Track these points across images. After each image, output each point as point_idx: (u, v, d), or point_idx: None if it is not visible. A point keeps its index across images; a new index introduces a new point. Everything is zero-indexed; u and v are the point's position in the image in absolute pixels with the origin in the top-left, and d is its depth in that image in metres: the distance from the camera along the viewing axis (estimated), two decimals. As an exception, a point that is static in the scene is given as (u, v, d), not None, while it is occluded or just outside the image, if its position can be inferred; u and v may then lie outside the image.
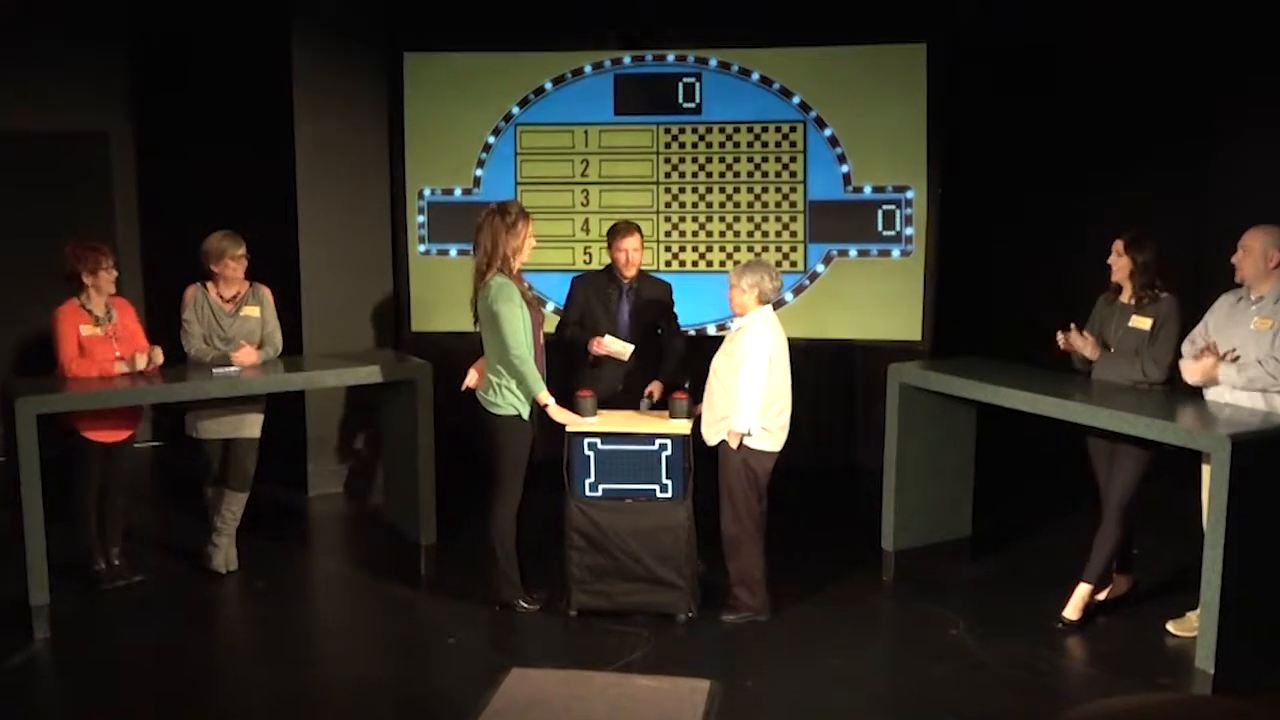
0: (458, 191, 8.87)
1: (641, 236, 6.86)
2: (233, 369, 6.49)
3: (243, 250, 6.65)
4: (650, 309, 6.88)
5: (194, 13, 8.92)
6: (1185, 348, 5.82)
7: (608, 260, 6.95)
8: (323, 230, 8.30)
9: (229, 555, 6.82)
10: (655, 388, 6.71)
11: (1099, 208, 8.33)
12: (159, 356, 6.49)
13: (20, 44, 8.68)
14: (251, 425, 6.72)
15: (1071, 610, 6.05)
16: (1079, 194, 8.62)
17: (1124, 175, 8.43)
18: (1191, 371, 5.72)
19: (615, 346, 6.69)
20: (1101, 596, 6.22)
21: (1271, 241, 5.58)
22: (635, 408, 6.52)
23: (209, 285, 6.69)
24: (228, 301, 6.71)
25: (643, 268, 6.93)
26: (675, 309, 6.98)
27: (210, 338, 6.65)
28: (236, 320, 6.70)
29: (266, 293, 6.85)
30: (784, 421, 6.04)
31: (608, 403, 6.47)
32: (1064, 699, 5.38)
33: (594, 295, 6.88)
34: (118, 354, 6.37)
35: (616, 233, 6.83)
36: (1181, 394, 5.84)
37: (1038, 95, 8.61)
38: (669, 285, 7.02)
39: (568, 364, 6.94)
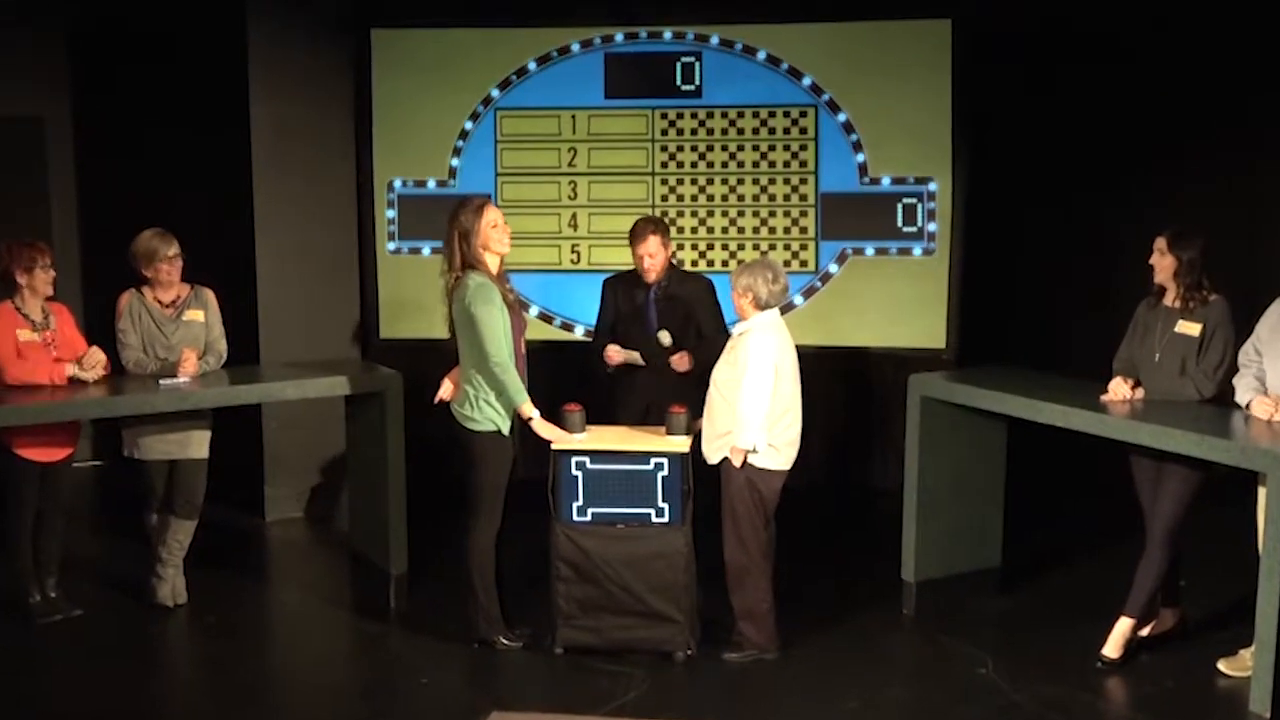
0: (431, 183, 8.87)
1: (663, 236, 6.84)
2: (180, 380, 6.47)
3: (176, 250, 6.63)
4: (680, 310, 6.86)
5: (139, -14, 8.94)
6: (1241, 359, 5.82)
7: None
8: (281, 226, 8.29)
9: (176, 587, 6.80)
10: (681, 358, 6.76)
11: (1141, 201, 8.32)
12: (100, 356, 6.46)
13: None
14: (199, 444, 6.69)
15: (1112, 647, 6.04)
16: (1119, 186, 8.62)
17: (1169, 165, 8.42)
18: (1263, 408, 5.68)
19: (620, 357, 6.80)
20: (1145, 632, 6.20)
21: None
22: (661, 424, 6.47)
23: (145, 290, 6.68)
24: (167, 306, 6.69)
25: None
26: (718, 305, 6.95)
27: (150, 347, 6.63)
28: (179, 326, 6.68)
29: (210, 295, 6.83)
30: (793, 437, 6.04)
31: (628, 417, 6.55)
32: (1104, 746, 5.38)
33: (623, 298, 6.91)
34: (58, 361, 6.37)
35: (633, 234, 6.87)
36: (1234, 407, 5.83)
37: (1074, 78, 8.62)
38: (706, 281, 7.01)
39: (599, 380, 7.01)
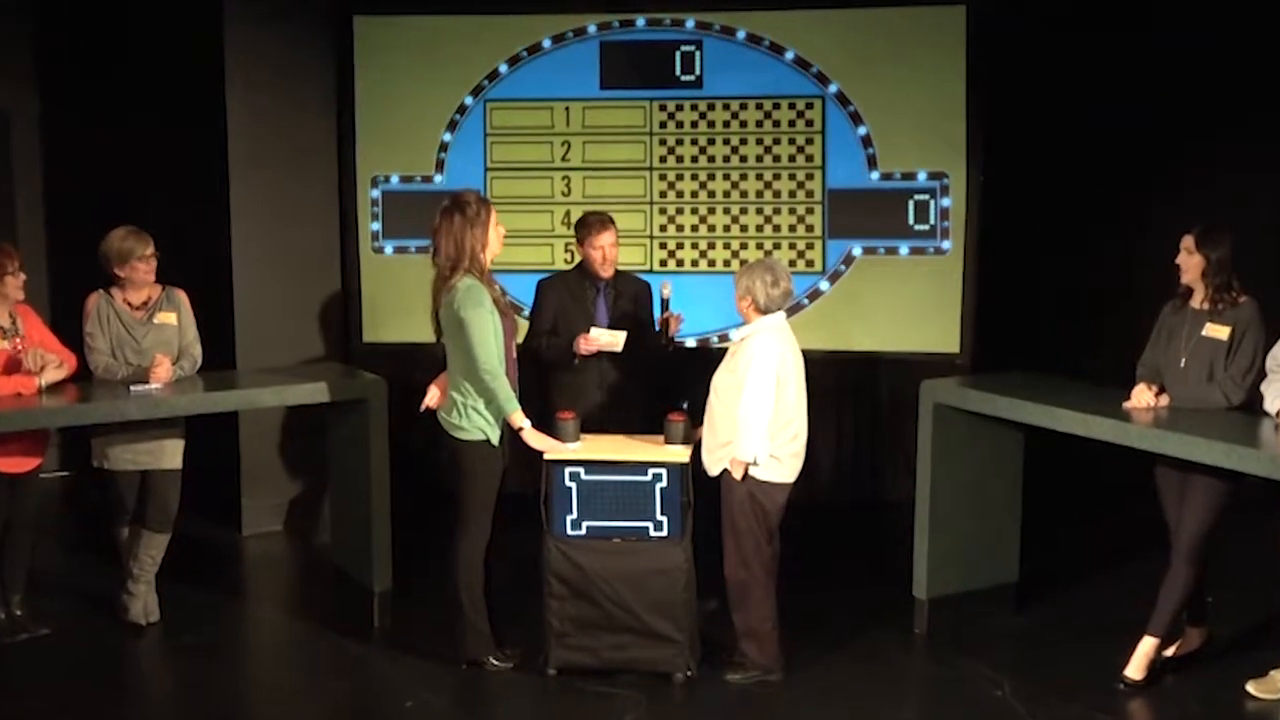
0: (417, 179, 8.88)
1: (616, 230, 6.94)
2: (151, 387, 6.47)
3: (151, 249, 6.64)
4: (632, 311, 6.95)
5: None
6: (1270, 364, 5.82)
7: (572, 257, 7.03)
8: (258, 223, 8.29)
9: (148, 605, 6.80)
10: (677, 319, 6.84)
11: (1170, 196, 8.33)
12: (50, 356, 6.45)
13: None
14: (172, 454, 6.69)
15: (1135, 669, 6.04)
16: (1146, 181, 8.62)
17: (1201, 157, 8.41)
18: None
19: (605, 339, 6.76)
20: (1170, 652, 6.22)
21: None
22: (629, 427, 6.49)
23: (114, 292, 6.68)
24: (138, 309, 6.69)
25: (620, 267, 7.02)
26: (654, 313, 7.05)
27: (120, 351, 6.63)
28: (150, 330, 6.68)
29: (182, 297, 6.84)
30: (797, 448, 6.04)
31: (594, 422, 6.50)
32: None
33: (568, 298, 6.92)
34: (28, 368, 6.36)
35: (588, 227, 6.91)
36: (1264, 415, 5.83)
37: (1097, 65, 8.62)
38: (647, 284, 7.12)
39: (539, 379, 6.98)
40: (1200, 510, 5.91)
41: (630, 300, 6.99)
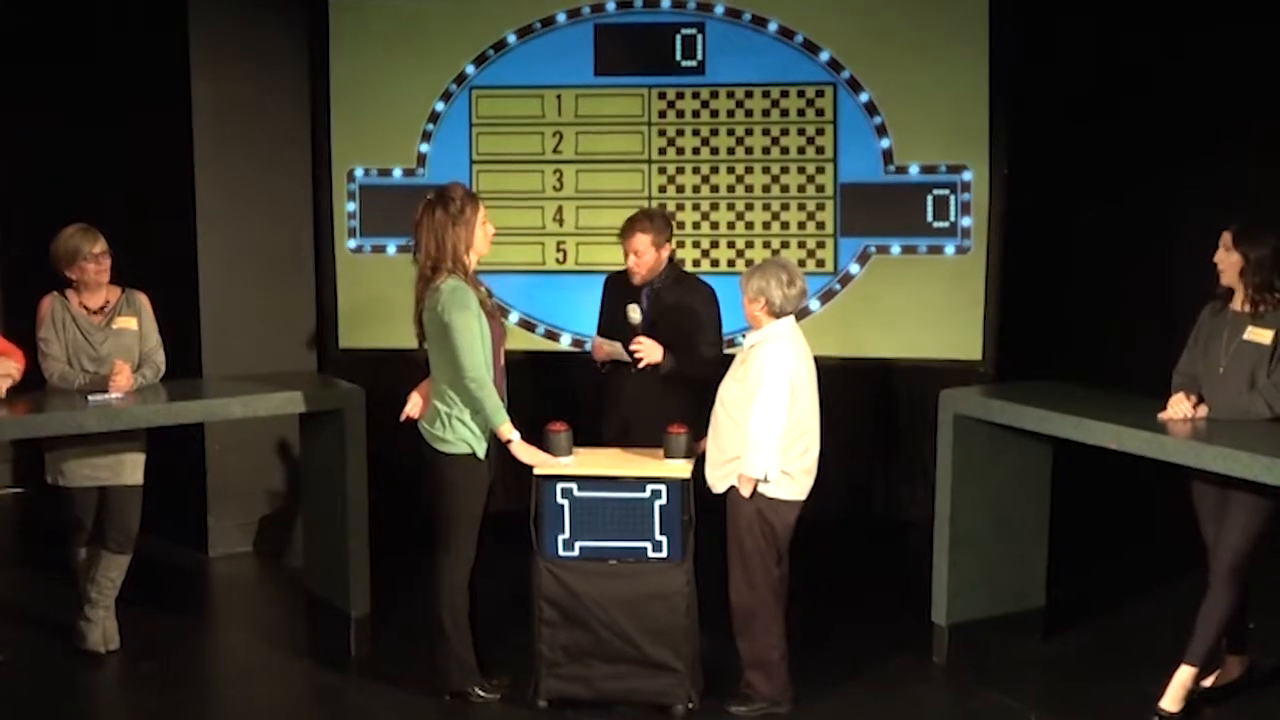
0: (397, 172, 8.90)
1: (655, 233, 6.72)
2: (111, 396, 6.48)
3: (102, 247, 6.63)
4: (673, 318, 6.80)
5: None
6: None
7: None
8: (226, 221, 8.31)
9: (108, 631, 6.80)
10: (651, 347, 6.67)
11: (1210, 192, 8.31)
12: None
13: None
14: (132, 468, 6.70)
15: (1171, 700, 6.05)
16: (1184, 175, 8.60)
17: (1241, 150, 8.39)
18: None
19: (607, 348, 6.78)
20: (1208, 682, 6.22)
21: None
22: (643, 440, 6.43)
23: (69, 295, 6.69)
24: (95, 313, 6.70)
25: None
26: (719, 320, 6.84)
27: (76, 359, 6.64)
28: (109, 335, 6.69)
29: (144, 300, 6.85)
30: (809, 464, 6.06)
31: (620, 435, 6.56)
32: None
33: (616, 300, 6.94)
34: None
35: (622, 229, 6.81)
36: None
37: (1131, 49, 8.61)
38: (708, 289, 6.87)
39: (598, 387, 6.99)
40: (1239, 529, 5.91)
41: (674, 307, 6.77)
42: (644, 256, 6.75)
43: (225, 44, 8.21)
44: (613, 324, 6.91)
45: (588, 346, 6.82)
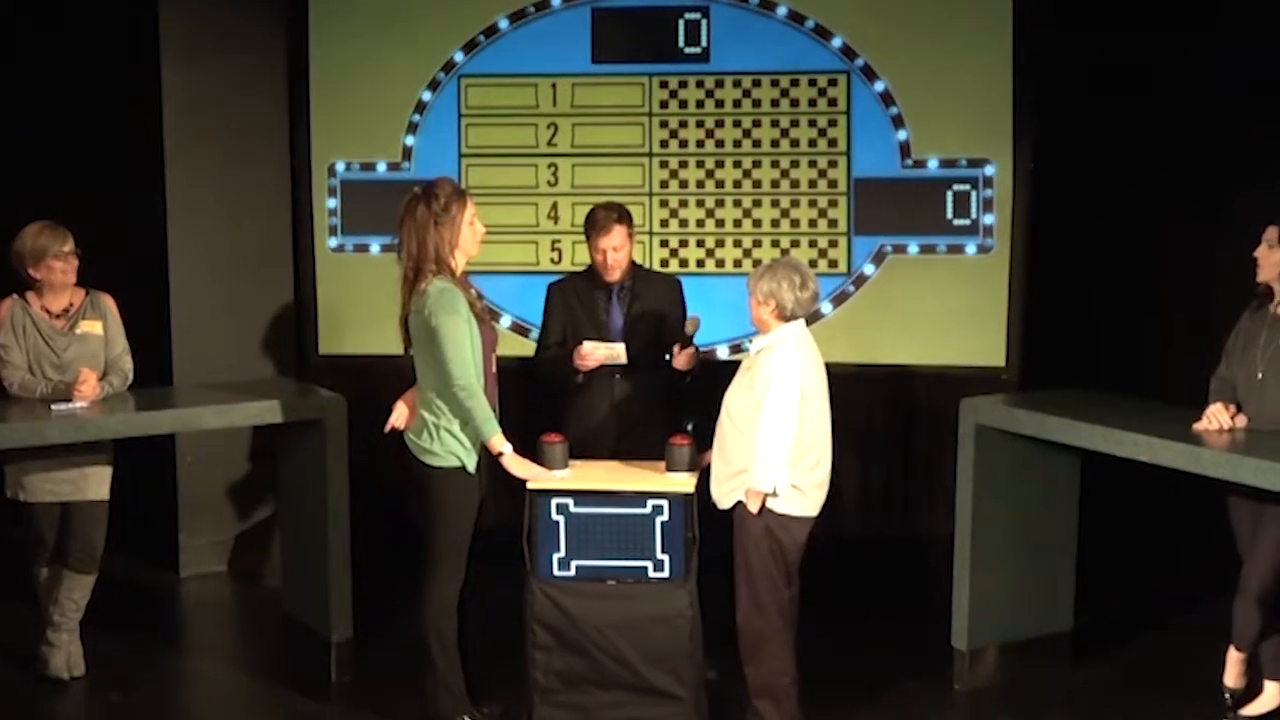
0: (381, 166, 8.90)
1: (628, 227, 6.84)
2: (75, 405, 6.49)
3: (70, 246, 6.65)
4: (650, 316, 6.88)
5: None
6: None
7: (582, 257, 7.00)
8: (199, 219, 8.33)
9: (72, 657, 6.81)
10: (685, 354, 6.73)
11: (1251, 188, 8.31)
12: None
13: None
14: (98, 483, 6.71)
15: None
16: (1220, 170, 8.60)
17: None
18: None
19: (602, 352, 6.73)
20: (1247, 712, 6.22)
21: None
22: (651, 453, 6.43)
23: (30, 297, 6.70)
24: (57, 317, 6.72)
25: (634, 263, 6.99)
26: (684, 315, 6.97)
27: (38, 366, 6.66)
28: (73, 341, 6.71)
29: (110, 303, 6.86)
30: (821, 477, 6.06)
31: (608, 449, 6.54)
32: None
33: (576, 304, 6.91)
34: None
35: (592, 225, 6.84)
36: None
37: (1164, 37, 8.60)
38: (675, 282, 7.06)
39: (551, 400, 6.99)
40: (1274, 546, 5.93)
41: (650, 304, 6.90)
42: (621, 251, 6.82)
43: (198, 29, 8.21)
44: (572, 331, 6.88)
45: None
